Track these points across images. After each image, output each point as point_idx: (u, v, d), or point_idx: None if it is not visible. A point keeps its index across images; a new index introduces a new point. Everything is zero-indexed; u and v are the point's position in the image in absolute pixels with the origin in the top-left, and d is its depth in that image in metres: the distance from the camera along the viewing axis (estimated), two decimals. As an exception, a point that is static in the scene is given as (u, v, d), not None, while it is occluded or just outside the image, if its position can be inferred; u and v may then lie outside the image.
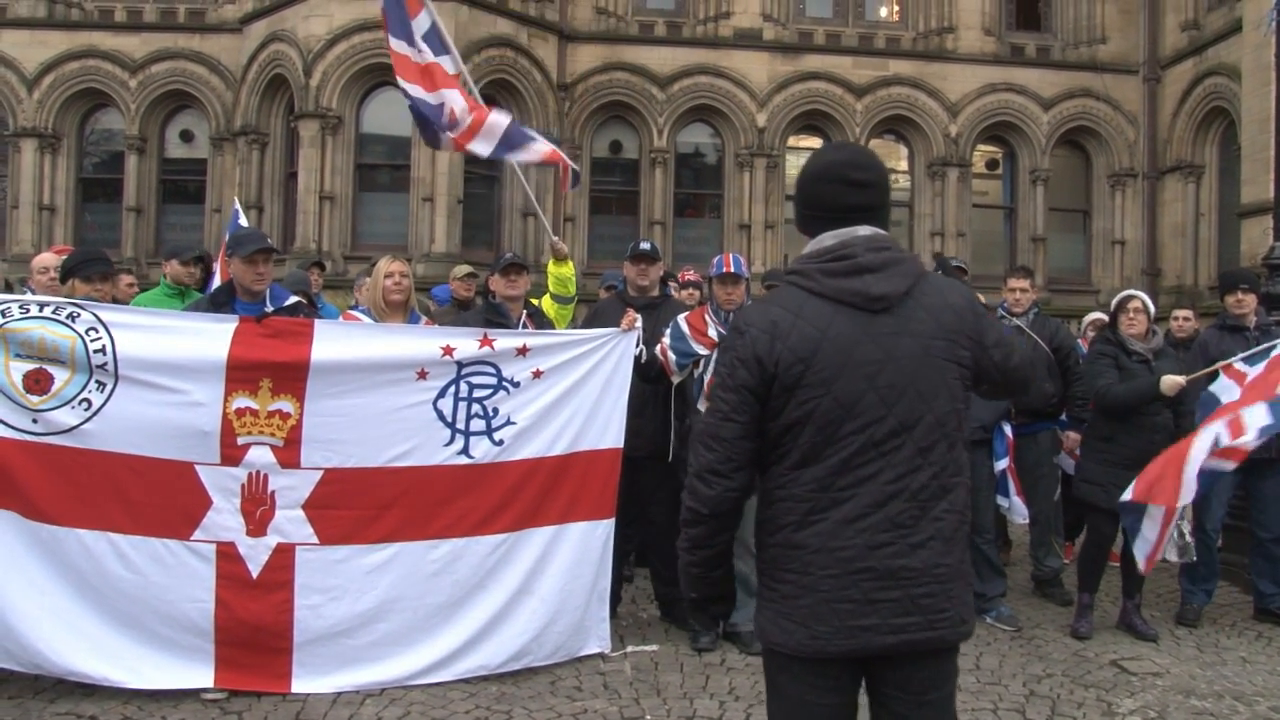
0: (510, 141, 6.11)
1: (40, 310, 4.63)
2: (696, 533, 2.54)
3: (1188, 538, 5.90)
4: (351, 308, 6.45)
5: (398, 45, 6.12)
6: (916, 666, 2.41)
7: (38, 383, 4.54)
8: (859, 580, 2.34)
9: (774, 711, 2.56)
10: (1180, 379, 5.67)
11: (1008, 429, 6.37)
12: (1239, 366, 5.76)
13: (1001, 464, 6.32)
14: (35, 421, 4.54)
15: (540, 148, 6.17)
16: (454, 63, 6.24)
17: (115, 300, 5.79)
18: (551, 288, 6.67)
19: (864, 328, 2.37)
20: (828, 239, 2.47)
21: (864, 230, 2.45)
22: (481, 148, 6.11)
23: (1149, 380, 5.73)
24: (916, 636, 2.36)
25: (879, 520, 2.34)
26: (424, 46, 6.13)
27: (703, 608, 2.70)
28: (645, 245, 6.11)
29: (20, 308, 4.62)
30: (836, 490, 2.36)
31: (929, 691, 2.43)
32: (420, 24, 6.18)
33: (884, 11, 17.46)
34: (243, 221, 8.71)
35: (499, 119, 6.05)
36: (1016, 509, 6.39)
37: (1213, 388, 5.82)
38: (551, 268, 6.63)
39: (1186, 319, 7.97)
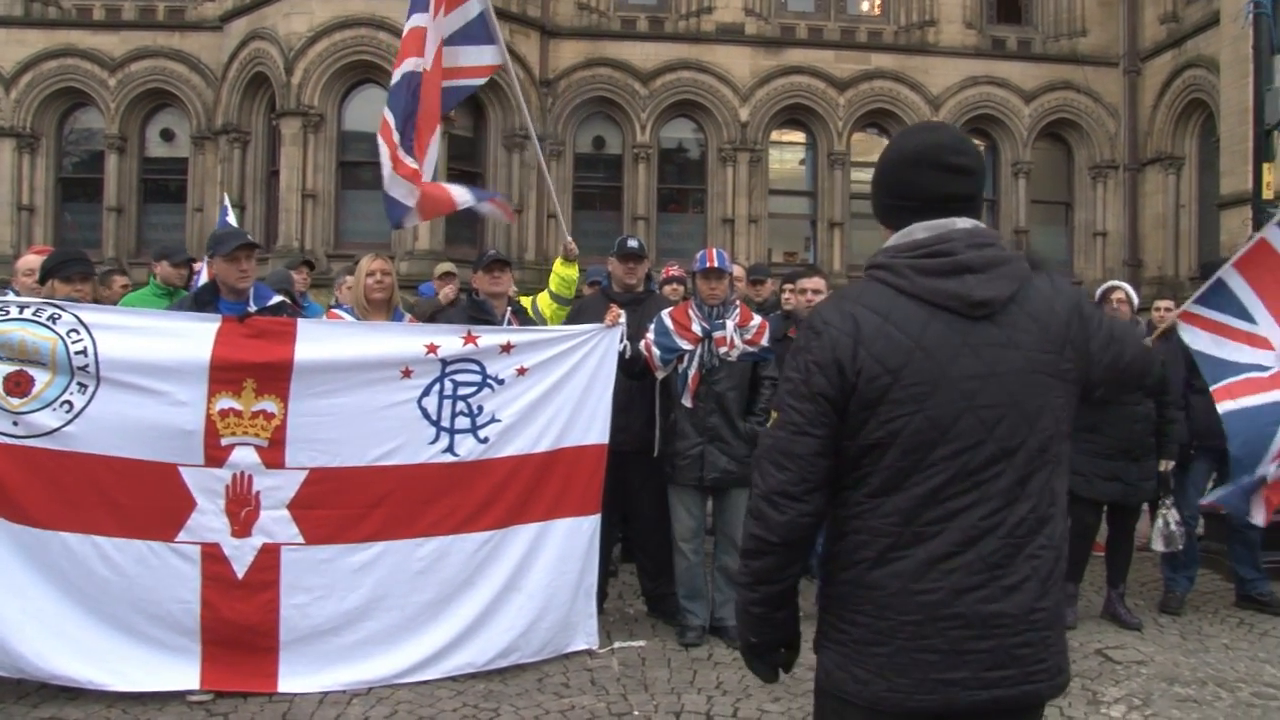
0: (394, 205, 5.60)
1: (20, 312, 4.59)
2: (762, 565, 2.17)
3: (1173, 527, 5.97)
4: (334, 306, 6.44)
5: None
6: None
7: (18, 385, 4.51)
8: (946, 628, 2.03)
9: None
10: (1150, 341, 5.66)
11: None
12: (1197, 311, 5.54)
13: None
14: (16, 424, 4.51)
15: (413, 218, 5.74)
16: (499, 53, 5.98)
17: (99, 301, 5.76)
18: (553, 286, 6.65)
19: (964, 337, 2.04)
20: (919, 231, 2.13)
21: (963, 223, 2.13)
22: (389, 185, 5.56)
23: None
24: (1010, 692, 2.05)
25: (970, 560, 2.02)
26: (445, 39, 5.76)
27: (761, 655, 2.28)
28: (633, 243, 6.09)
29: (0, 309, 4.60)
30: (922, 524, 2.04)
31: None
32: (466, 11, 5.83)
33: (865, 5, 17.50)
34: (230, 219, 8.69)
35: (402, 196, 5.53)
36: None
37: (1197, 345, 5.57)
38: (559, 267, 6.61)
39: (1168, 309, 7.98)
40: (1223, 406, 5.45)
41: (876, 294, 2.10)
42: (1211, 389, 5.53)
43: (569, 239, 6.53)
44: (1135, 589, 6.60)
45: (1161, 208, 16.41)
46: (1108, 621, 6.00)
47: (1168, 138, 16.25)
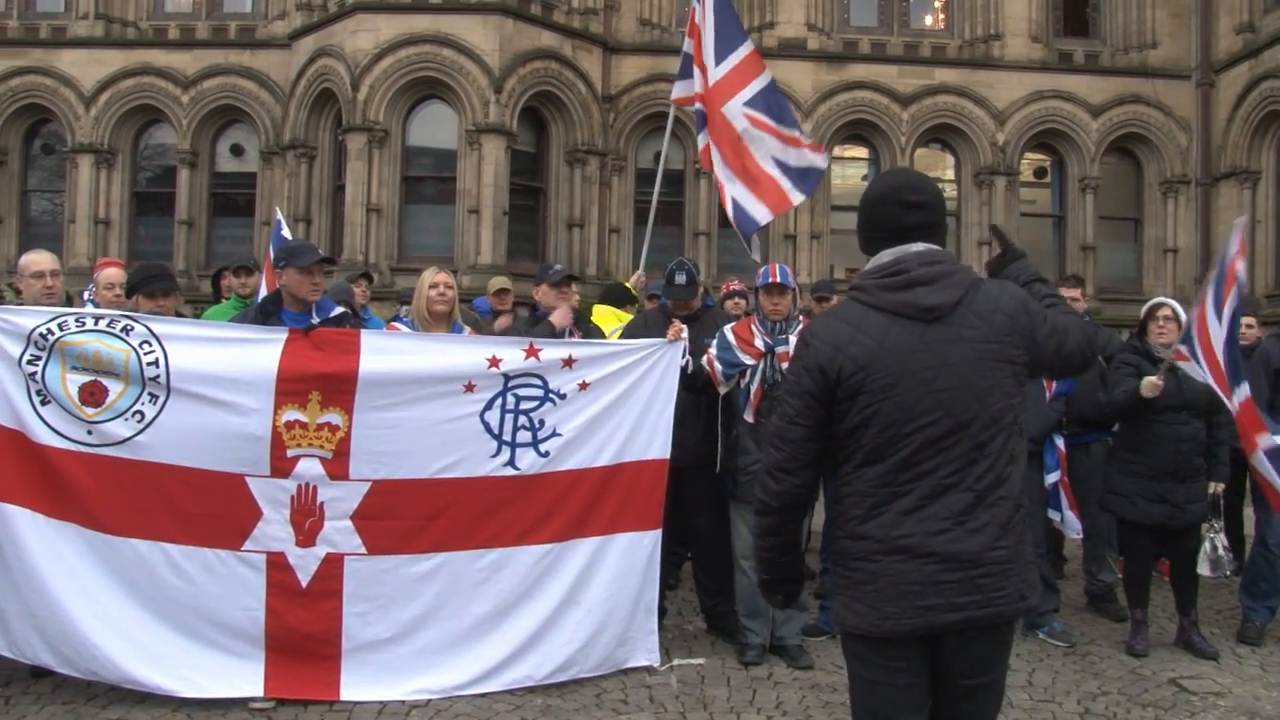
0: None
1: (95, 324, 4.70)
2: (767, 522, 2.80)
3: (1220, 551, 5.80)
4: (394, 319, 6.51)
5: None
6: (977, 643, 2.60)
7: (92, 395, 4.62)
8: (923, 564, 2.53)
9: (855, 700, 2.78)
10: (1158, 380, 5.52)
11: (1059, 441, 6.25)
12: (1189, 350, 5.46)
13: (1053, 477, 6.19)
14: (90, 433, 4.62)
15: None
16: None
17: (180, 312, 5.87)
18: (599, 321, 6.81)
19: (920, 337, 2.57)
20: (885, 256, 2.68)
21: (917, 246, 2.65)
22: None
23: (1132, 385, 5.62)
24: (976, 614, 2.54)
25: (937, 509, 2.54)
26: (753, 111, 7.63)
27: (772, 586, 2.92)
28: (681, 279, 5.82)
29: (76, 321, 4.70)
30: (897, 485, 2.56)
31: (986, 671, 2.65)
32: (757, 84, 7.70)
33: (929, 20, 17.32)
34: (286, 233, 8.82)
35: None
36: (1069, 523, 6.25)
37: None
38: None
39: (1249, 326, 7.54)
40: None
41: (851, 310, 2.69)
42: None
43: (641, 273, 6.63)
44: (1211, 617, 6.40)
45: (1233, 230, 15.96)
46: (1182, 650, 5.81)
47: (1243, 151, 15.83)
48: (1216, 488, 5.87)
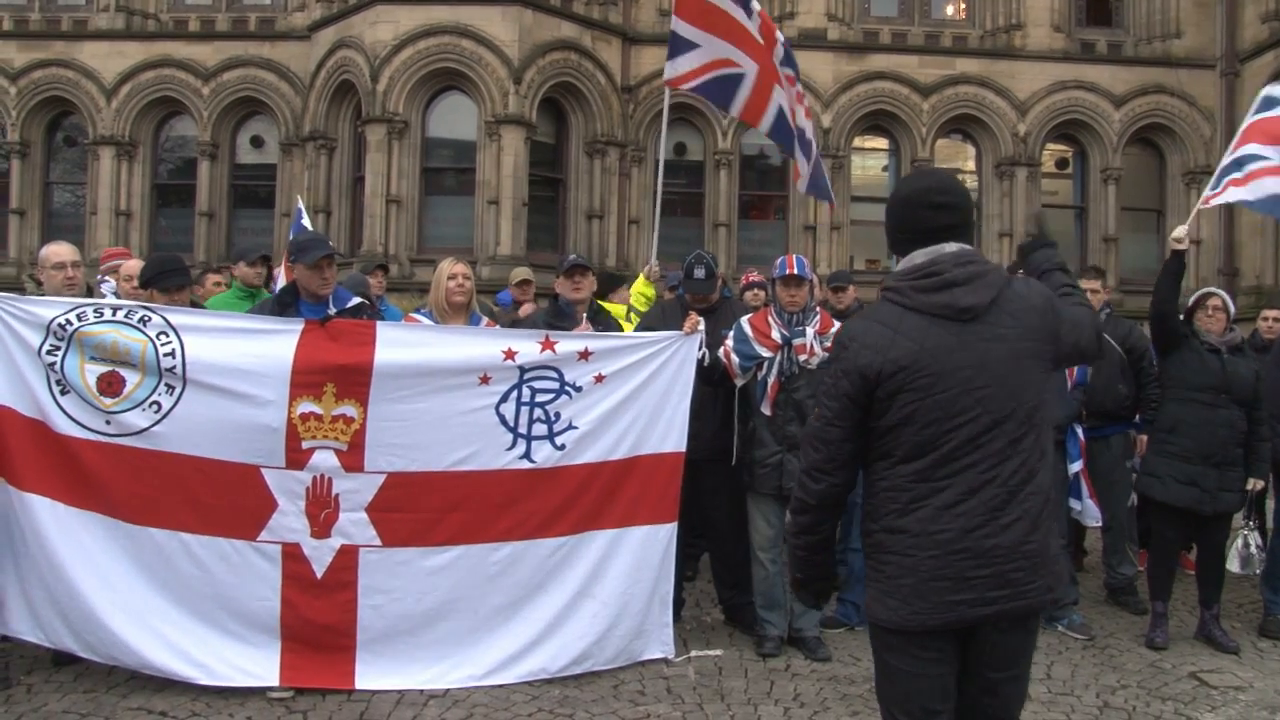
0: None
1: (113, 314, 4.73)
2: (804, 520, 2.83)
3: (1253, 549, 5.74)
4: (415, 311, 6.52)
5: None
6: (1007, 635, 2.66)
7: (110, 385, 4.64)
8: (955, 560, 2.58)
9: (884, 690, 2.82)
10: (1184, 226, 5.75)
11: (1080, 431, 6.21)
12: None
13: (1075, 466, 6.16)
14: (108, 423, 4.65)
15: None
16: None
17: (195, 301, 5.88)
18: (635, 303, 6.73)
19: (957, 336, 2.61)
20: (918, 257, 2.72)
21: (950, 247, 2.70)
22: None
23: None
24: (1008, 606, 2.60)
25: (974, 505, 2.58)
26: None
27: (805, 586, 2.97)
28: (700, 273, 5.77)
29: (95, 311, 4.74)
30: (935, 481, 2.60)
31: (1013, 665, 2.71)
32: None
33: (950, 10, 17.18)
34: (305, 222, 8.84)
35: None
36: (1089, 512, 6.21)
37: None
38: (641, 286, 6.72)
39: (1277, 319, 7.43)
40: None
41: (888, 311, 2.70)
42: None
43: (654, 263, 6.62)
44: (1232, 611, 6.34)
45: (1260, 215, 15.77)
46: (1202, 644, 5.76)
47: (1268, 142, 15.61)
48: (1255, 484, 5.78)
